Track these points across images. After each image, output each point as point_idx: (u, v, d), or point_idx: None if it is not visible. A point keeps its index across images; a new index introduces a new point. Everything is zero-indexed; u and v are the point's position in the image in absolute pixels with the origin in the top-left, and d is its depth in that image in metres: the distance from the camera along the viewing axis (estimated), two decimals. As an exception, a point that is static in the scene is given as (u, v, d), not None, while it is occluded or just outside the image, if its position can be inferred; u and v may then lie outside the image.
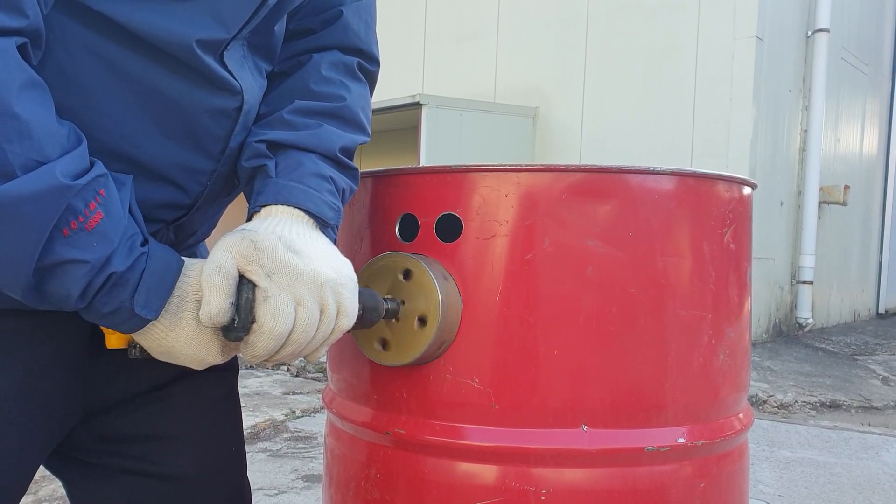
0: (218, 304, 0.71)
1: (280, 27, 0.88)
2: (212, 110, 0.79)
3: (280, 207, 0.79)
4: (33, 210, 0.62)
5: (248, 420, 3.55)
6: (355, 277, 0.79)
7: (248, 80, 0.83)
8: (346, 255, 0.82)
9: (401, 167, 0.96)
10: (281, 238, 0.74)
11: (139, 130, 0.76)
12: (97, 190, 0.66)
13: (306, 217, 0.80)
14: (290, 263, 0.73)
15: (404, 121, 6.33)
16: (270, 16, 0.83)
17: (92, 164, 0.68)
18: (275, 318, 0.72)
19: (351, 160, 0.88)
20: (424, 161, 5.70)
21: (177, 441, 0.93)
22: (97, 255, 0.66)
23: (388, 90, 6.32)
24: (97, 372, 0.87)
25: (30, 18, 0.64)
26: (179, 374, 0.91)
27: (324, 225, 0.81)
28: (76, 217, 0.64)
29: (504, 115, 6.32)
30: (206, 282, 0.71)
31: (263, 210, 0.80)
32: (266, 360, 0.75)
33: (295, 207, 0.79)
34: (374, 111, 6.12)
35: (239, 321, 0.72)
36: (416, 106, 5.77)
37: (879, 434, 3.72)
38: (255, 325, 0.72)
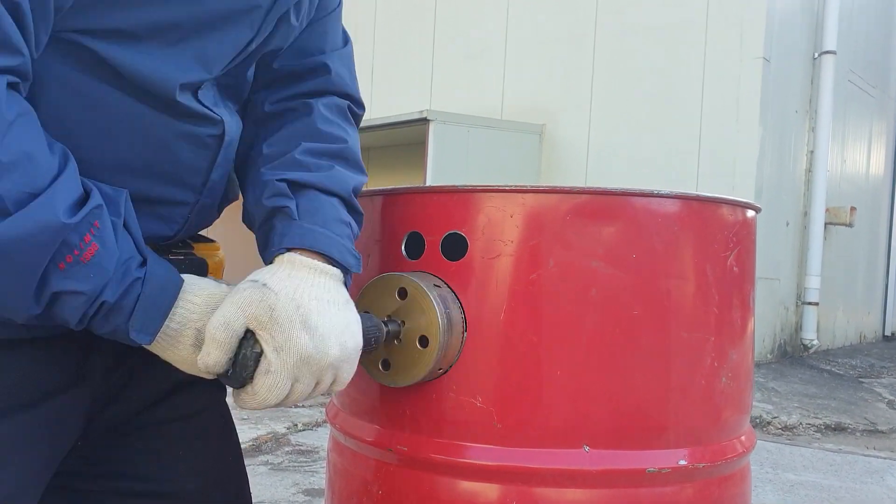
0: (216, 357, 0.74)
1: (251, 73, 0.90)
2: (192, 140, 0.81)
3: (304, 260, 0.79)
4: (29, 248, 0.64)
5: (250, 433, 3.55)
6: (360, 344, 0.80)
7: (226, 115, 0.85)
8: None
9: (408, 186, 0.97)
10: (299, 309, 0.75)
11: (122, 164, 0.77)
12: (92, 222, 0.68)
13: (329, 268, 0.80)
14: (300, 345, 0.74)
15: (412, 136, 6.35)
16: (246, 60, 0.85)
17: (88, 193, 0.69)
18: (270, 391, 0.75)
19: (357, 203, 0.90)
20: (431, 176, 5.72)
21: (175, 457, 0.93)
22: (93, 285, 0.68)
23: (396, 105, 6.35)
24: (96, 391, 0.87)
25: (24, 56, 0.65)
26: (174, 389, 0.92)
27: (345, 272, 0.83)
28: (72, 251, 0.66)
29: (511, 132, 6.34)
30: (210, 334, 0.73)
31: (287, 256, 0.80)
32: None
33: (318, 254, 0.80)
34: (383, 126, 6.18)
35: (234, 374, 0.75)
36: (424, 121, 5.79)
37: (884, 458, 3.70)
38: (249, 387, 0.75)
